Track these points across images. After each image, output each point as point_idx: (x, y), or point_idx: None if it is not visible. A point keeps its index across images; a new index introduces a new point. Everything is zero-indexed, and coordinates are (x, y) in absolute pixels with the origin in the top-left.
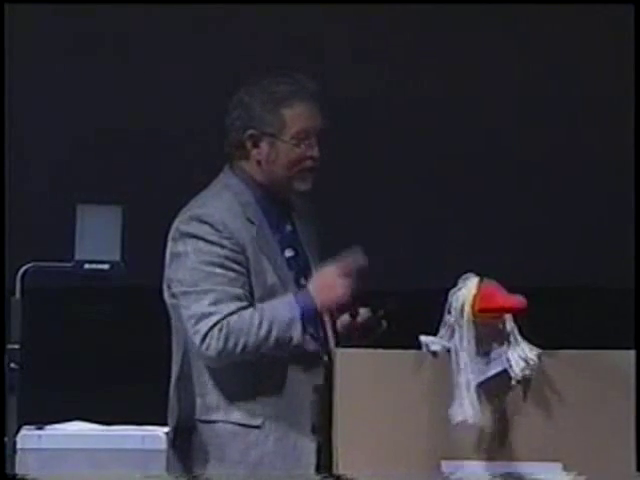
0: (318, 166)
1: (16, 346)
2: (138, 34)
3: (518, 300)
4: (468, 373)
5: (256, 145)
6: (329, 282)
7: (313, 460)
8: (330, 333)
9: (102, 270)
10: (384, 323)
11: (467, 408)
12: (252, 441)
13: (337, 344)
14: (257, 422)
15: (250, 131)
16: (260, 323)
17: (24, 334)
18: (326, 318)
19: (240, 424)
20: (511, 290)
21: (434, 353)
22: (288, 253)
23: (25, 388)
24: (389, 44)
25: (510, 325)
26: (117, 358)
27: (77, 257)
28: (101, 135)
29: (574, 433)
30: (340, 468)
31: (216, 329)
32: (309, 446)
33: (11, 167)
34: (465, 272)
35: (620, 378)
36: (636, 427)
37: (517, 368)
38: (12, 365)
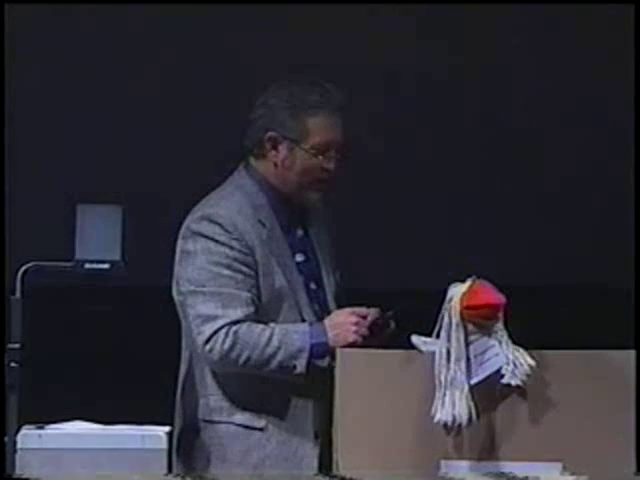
0: (331, 177)
1: (16, 345)
2: (139, 34)
3: (497, 297)
4: (454, 371)
5: (275, 147)
6: (345, 324)
7: (315, 465)
8: None
9: (102, 269)
10: (392, 324)
11: (447, 407)
12: (254, 443)
13: None
14: (260, 424)
15: (271, 133)
16: (268, 342)
17: (24, 333)
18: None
19: (243, 426)
20: (512, 289)
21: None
22: (299, 258)
23: (25, 387)
24: (395, 43)
25: (500, 328)
26: (117, 358)
27: (77, 257)
28: (101, 135)
29: (574, 433)
30: (340, 468)
31: (222, 333)
32: (311, 451)
33: (11, 167)
34: (467, 272)
35: (620, 378)
36: (636, 427)
37: (508, 372)
38: (12, 364)
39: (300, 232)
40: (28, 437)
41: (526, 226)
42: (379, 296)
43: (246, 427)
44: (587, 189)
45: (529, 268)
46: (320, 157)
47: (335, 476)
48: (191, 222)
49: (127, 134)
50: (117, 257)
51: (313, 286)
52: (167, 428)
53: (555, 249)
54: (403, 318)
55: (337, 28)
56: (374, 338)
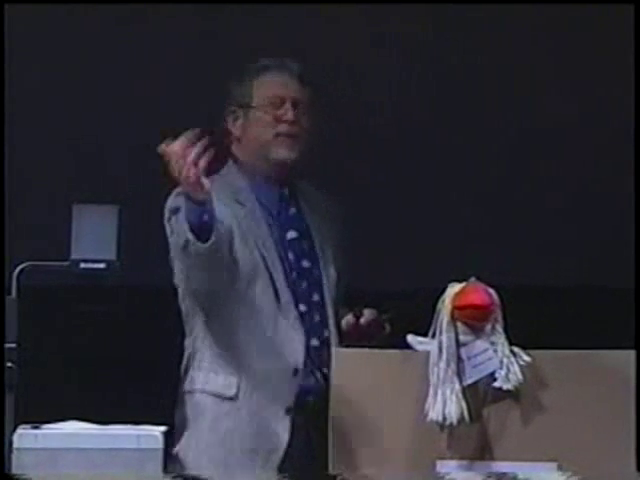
0: (298, 135)
1: (12, 345)
2: (138, 33)
3: (482, 299)
4: (445, 371)
5: (235, 121)
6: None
7: (285, 440)
8: (333, 331)
9: (98, 269)
10: (388, 326)
11: (438, 406)
12: (224, 412)
13: (340, 343)
14: (231, 393)
15: (230, 108)
16: None
17: (20, 333)
18: (330, 309)
19: (215, 394)
20: (511, 289)
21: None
22: (291, 235)
23: (21, 387)
24: (401, 41)
25: (497, 331)
26: (113, 357)
27: (73, 256)
28: (98, 135)
29: (574, 433)
30: (335, 467)
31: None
32: (282, 425)
33: (7, 167)
34: (468, 272)
35: (620, 378)
36: (636, 427)
37: (500, 377)
38: (8, 364)
39: (292, 210)
40: (24, 437)
41: (527, 227)
42: (377, 297)
43: (218, 396)
44: (587, 189)
45: (530, 268)
46: (273, 110)
47: (330, 475)
48: (169, 202)
49: (124, 134)
50: (113, 257)
51: (306, 264)
52: (163, 428)
53: (555, 249)
54: (401, 319)
55: (354, 27)
56: (369, 340)
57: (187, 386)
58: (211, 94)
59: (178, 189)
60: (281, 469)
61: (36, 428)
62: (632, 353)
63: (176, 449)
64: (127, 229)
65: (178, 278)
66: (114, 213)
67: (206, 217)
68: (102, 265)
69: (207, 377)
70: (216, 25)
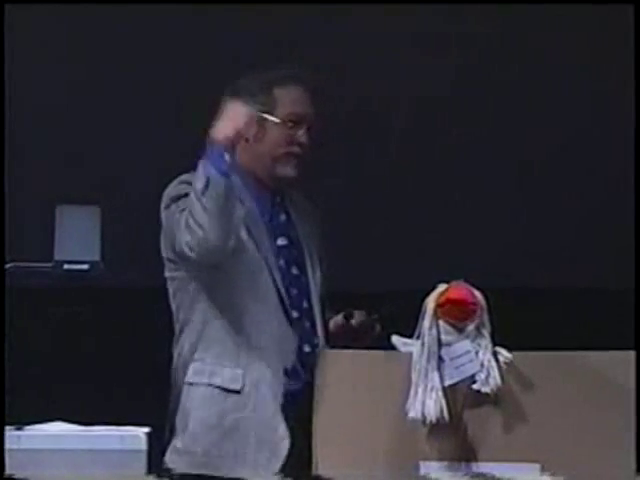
0: (304, 154)
1: None
2: (131, 35)
3: (461, 294)
4: (426, 369)
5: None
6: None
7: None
8: (322, 338)
9: (81, 270)
10: (378, 327)
11: (418, 405)
12: (230, 406)
13: (327, 343)
14: (237, 387)
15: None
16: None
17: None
18: (318, 316)
19: (221, 388)
20: (511, 290)
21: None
22: (281, 241)
23: (4, 388)
24: (428, 43)
25: (482, 334)
26: (96, 358)
27: (56, 257)
28: (81, 135)
29: (559, 435)
30: (319, 468)
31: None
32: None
33: None
34: (463, 274)
35: (620, 378)
36: (636, 428)
37: (480, 379)
38: None
39: (283, 217)
40: (7, 438)
41: (526, 227)
42: (366, 299)
43: (224, 389)
44: (587, 189)
45: (529, 269)
46: (291, 129)
47: (313, 476)
48: (169, 190)
49: (107, 135)
50: (96, 258)
51: (295, 271)
52: (147, 429)
53: (555, 250)
54: (389, 321)
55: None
56: (359, 341)
57: (190, 378)
58: (203, 95)
59: (180, 178)
60: (288, 462)
61: (19, 429)
62: (632, 353)
63: (178, 443)
64: (110, 230)
65: (185, 243)
66: (97, 214)
67: (227, 157)
68: (85, 266)
69: (213, 370)
70: (210, 24)
